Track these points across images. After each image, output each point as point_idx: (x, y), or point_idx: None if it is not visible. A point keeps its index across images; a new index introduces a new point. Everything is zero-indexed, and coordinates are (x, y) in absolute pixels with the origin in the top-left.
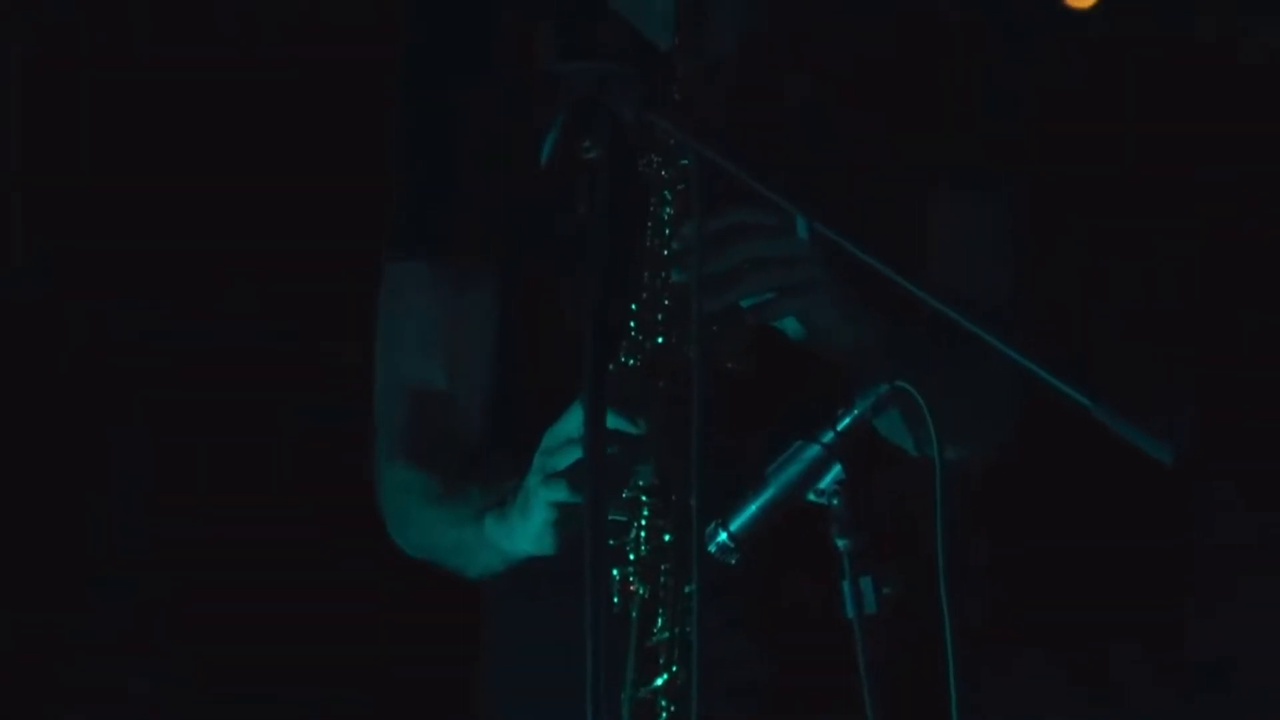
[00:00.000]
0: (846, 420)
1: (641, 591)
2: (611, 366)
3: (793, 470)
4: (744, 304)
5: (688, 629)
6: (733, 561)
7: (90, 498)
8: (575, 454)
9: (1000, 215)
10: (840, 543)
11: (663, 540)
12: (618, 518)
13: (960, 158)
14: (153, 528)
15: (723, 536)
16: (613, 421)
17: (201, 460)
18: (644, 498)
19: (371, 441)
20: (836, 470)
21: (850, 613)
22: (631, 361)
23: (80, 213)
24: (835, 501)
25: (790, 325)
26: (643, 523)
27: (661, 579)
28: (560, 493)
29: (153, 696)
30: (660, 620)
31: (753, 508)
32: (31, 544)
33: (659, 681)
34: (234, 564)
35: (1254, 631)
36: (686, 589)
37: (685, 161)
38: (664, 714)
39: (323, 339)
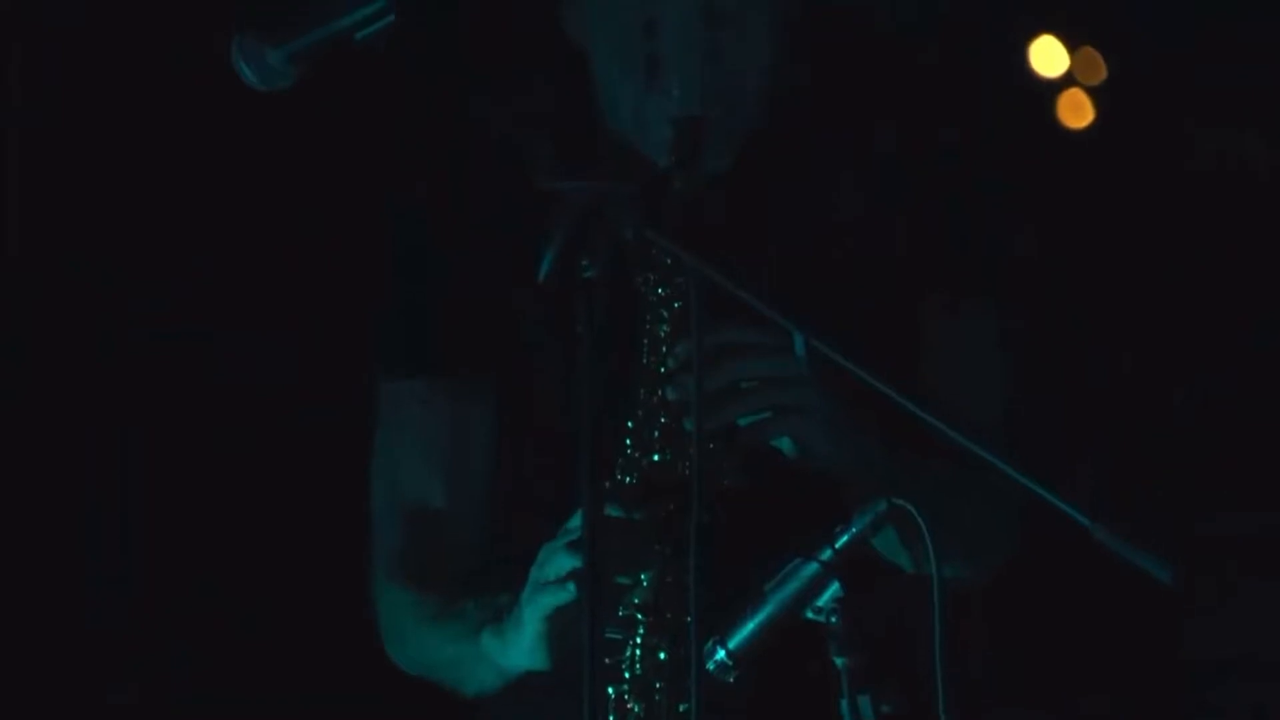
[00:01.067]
0: (844, 538)
1: (637, 709)
2: (608, 484)
3: (791, 588)
4: (740, 423)
5: None
6: (730, 679)
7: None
8: (570, 564)
9: (995, 331)
10: (839, 661)
11: (658, 658)
12: (614, 635)
13: (955, 275)
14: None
15: (721, 654)
16: (607, 539)
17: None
18: (640, 615)
19: (368, 558)
20: (835, 588)
21: None
22: (628, 479)
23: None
24: (834, 619)
25: (786, 443)
26: (638, 640)
27: (657, 697)
28: (554, 597)
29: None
30: None
31: (751, 625)
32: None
33: None
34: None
35: None
36: (682, 707)
37: (680, 279)
38: None
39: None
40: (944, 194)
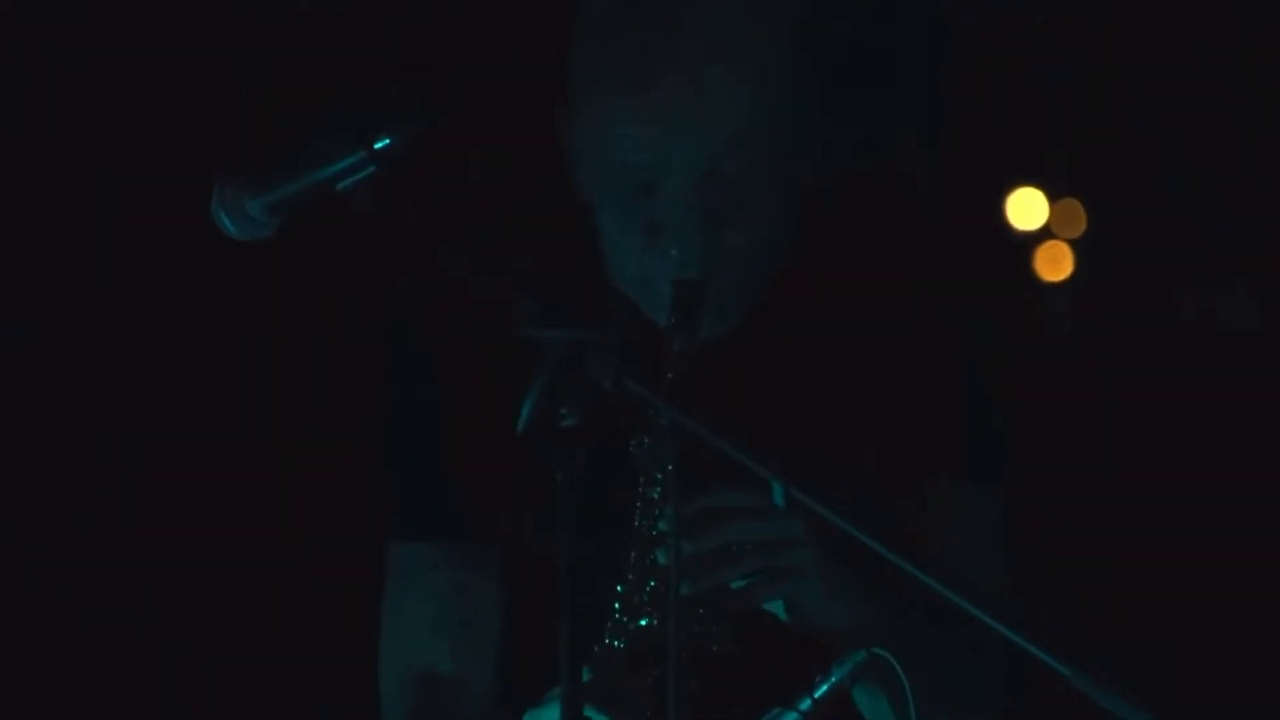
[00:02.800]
0: (824, 687)
1: None
2: (597, 649)
3: None
4: (733, 585)
5: None
6: None
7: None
8: None
9: (993, 510)
10: None
11: None
12: None
13: (952, 453)
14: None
15: None
16: (591, 712)
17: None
18: None
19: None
20: None
21: None
22: (617, 644)
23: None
24: None
25: (779, 606)
26: None
27: None
28: None
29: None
30: None
31: None
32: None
33: None
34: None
35: None
36: None
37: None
38: None
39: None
40: (949, 370)
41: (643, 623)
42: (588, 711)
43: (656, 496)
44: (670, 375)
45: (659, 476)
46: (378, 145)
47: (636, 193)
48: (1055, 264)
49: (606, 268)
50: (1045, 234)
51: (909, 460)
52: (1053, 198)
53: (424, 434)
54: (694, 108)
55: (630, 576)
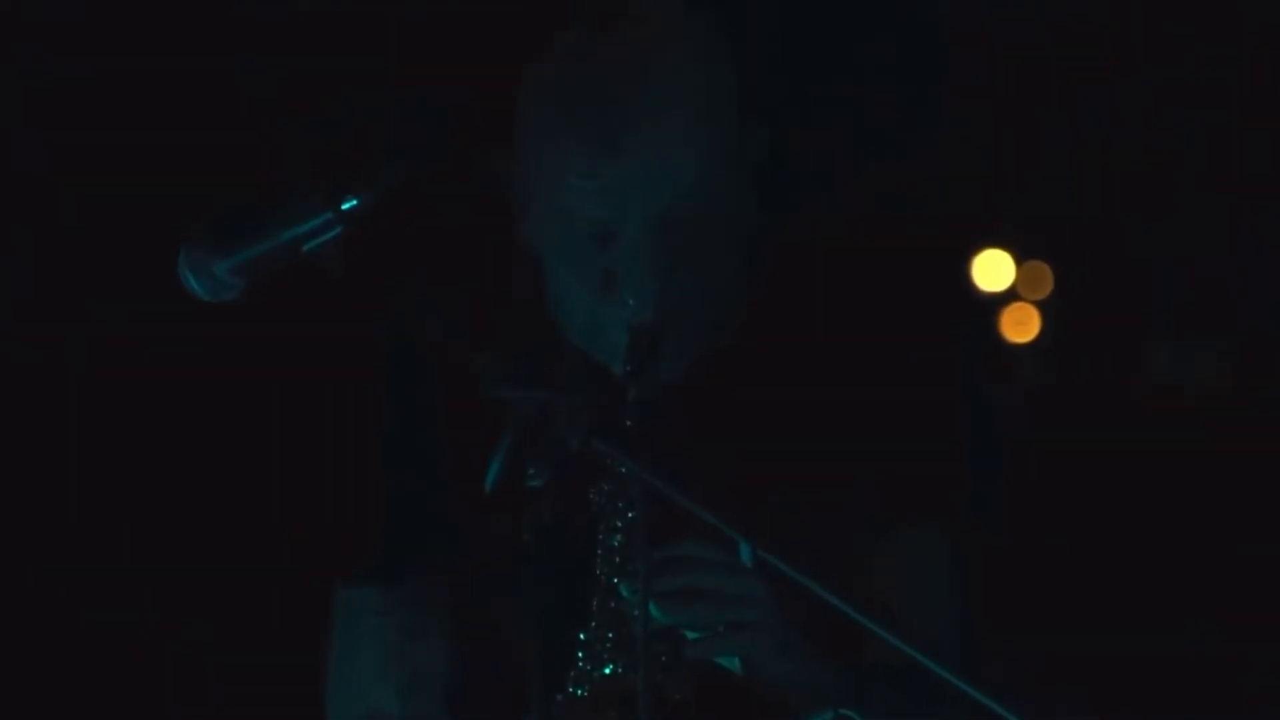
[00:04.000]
0: None
1: None
2: (560, 697)
3: None
4: (689, 637)
5: None
6: None
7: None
8: None
9: (946, 556)
10: None
11: None
12: None
13: (909, 499)
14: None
15: None
16: None
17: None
18: None
19: None
20: None
21: None
22: (579, 692)
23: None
24: None
25: (734, 662)
26: None
27: None
28: None
29: None
30: None
31: None
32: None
33: None
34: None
35: None
36: None
37: (635, 490)
38: None
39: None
40: (904, 420)
41: (606, 670)
42: None
43: (617, 545)
44: (628, 423)
45: (619, 524)
46: (345, 206)
47: (592, 241)
48: (1021, 326)
49: (555, 316)
50: (1011, 295)
51: (868, 505)
52: (1019, 259)
53: (379, 477)
54: (650, 160)
55: (593, 624)
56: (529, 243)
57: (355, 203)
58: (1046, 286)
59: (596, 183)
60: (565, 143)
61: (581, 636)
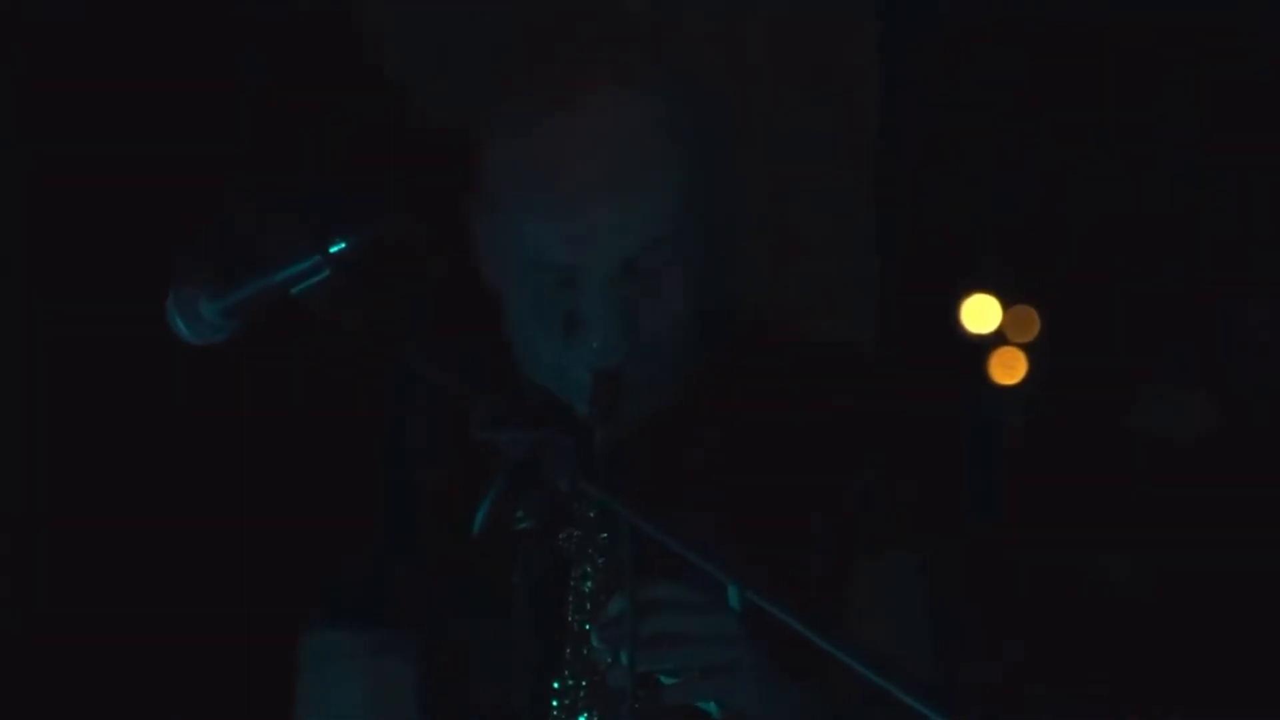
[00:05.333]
0: None
1: None
2: None
3: None
4: (664, 682)
5: None
6: None
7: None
8: None
9: (918, 582)
10: None
11: None
12: None
13: (879, 527)
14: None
15: None
16: None
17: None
18: None
19: None
20: None
21: None
22: None
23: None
24: None
25: (713, 706)
26: None
27: None
28: None
29: None
30: None
31: None
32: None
33: None
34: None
35: None
36: None
37: (604, 535)
38: None
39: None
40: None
41: (581, 718)
42: None
43: (588, 590)
44: (595, 464)
45: (588, 570)
46: (333, 249)
47: (556, 286)
48: (1009, 368)
49: (518, 357)
50: (999, 339)
51: (839, 531)
52: (1006, 303)
53: (349, 522)
54: (617, 211)
55: (566, 672)
56: (490, 282)
57: (343, 246)
58: (1033, 330)
59: (560, 233)
60: (530, 192)
61: (555, 685)
